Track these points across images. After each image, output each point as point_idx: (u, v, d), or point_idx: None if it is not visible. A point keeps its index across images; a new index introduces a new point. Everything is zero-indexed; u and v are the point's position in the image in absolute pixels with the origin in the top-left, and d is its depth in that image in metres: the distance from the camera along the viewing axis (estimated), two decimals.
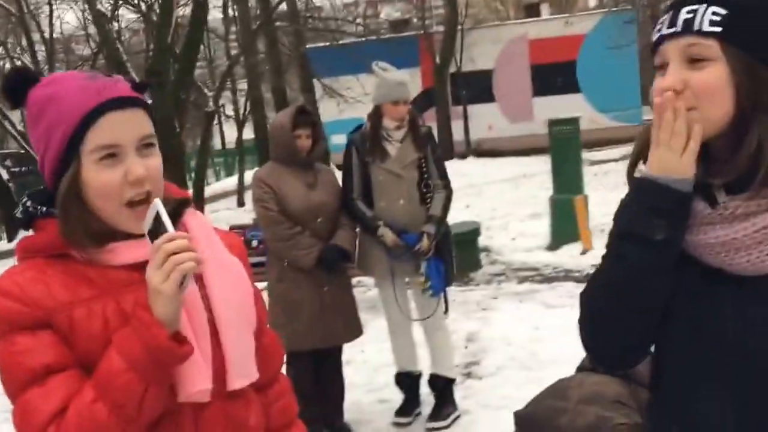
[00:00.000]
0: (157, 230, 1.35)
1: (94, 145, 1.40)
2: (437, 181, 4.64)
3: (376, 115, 4.54)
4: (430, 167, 4.61)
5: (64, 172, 1.43)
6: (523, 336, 6.07)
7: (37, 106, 1.45)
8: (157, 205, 1.36)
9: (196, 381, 1.42)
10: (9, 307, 1.38)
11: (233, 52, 22.40)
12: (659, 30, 1.36)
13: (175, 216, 1.51)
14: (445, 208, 4.63)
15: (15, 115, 31.97)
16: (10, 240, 18.75)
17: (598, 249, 9.72)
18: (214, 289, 1.50)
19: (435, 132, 18.06)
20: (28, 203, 1.50)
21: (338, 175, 4.72)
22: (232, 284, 1.54)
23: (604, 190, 14.94)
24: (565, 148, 10.39)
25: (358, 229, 4.62)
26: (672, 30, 1.33)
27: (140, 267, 1.42)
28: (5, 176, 19.23)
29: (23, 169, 26.88)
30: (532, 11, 33.26)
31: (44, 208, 1.48)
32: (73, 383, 1.36)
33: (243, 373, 1.53)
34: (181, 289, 1.33)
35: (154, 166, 1.44)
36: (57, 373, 1.36)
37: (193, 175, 19.08)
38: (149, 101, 1.50)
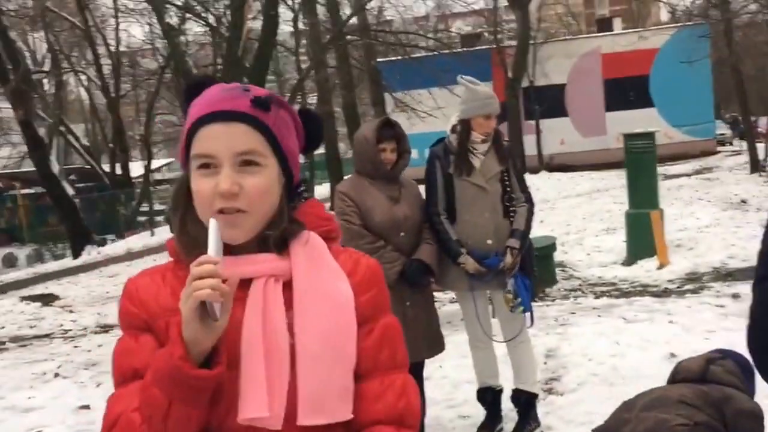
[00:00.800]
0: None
1: (194, 153, 1.44)
2: (519, 194, 4.60)
3: (465, 128, 4.50)
4: (512, 180, 4.58)
5: None
6: (603, 351, 5.95)
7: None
8: (211, 225, 1.37)
9: (251, 407, 1.39)
10: (125, 306, 1.48)
11: (303, 66, 22.63)
12: None
13: (283, 241, 1.49)
14: (528, 222, 4.58)
15: (79, 129, 32.87)
16: (75, 256, 18.94)
17: (675, 264, 9.58)
18: (301, 317, 1.45)
19: None
20: (168, 210, 1.58)
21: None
22: (324, 314, 1.45)
23: (679, 204, 14.68)
24: (640, 163, 10.24)
25: None
26: None
27: (241, 284, 1.41)
28: (71, 192, 19.40)
29: (88, 184, 27.43)
30: (605, 25, 32.90)
31: None
32: None
33: (320, 410, 1.43)
34: (207, 315, 1.31)
35: (251, 184, 1.42)
36: (141, 379, 1.39)
37: None
38: (267, 120, 1.46)
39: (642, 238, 9.92)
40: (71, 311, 12.15)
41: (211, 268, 1.30)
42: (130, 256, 18.80)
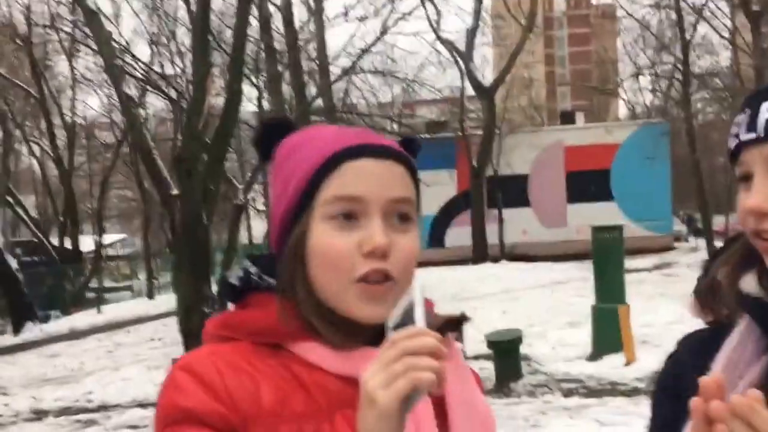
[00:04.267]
0: (404, 325, 0.93)
1: (330, 194, 1.05)
2: None
3: None
4: None
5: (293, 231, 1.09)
6: None
7: (283, 154, 1.13)
8: (414, 290, 0.95)
9: None
10: (198, 396, 0.99)
11: None
12: (736, 135, 1.06)
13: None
14: None
15: (29, 201, 32.16)
16: (16, 332, 18.25)
17: (642, 360, 9.31)
18: None
19: (470, 234, 18.14)
20: (252, 269, 1.10)
21: None
22: None
23: (641, 299, 14.52)
24: (608, 256, 10.11)
25: None
26: (752, 135, 1.03)
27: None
28: (14, 266, 18.83)
29: (35, 258, 26.61)
30: (568, 119, 33.53)
31: (272, 280, 1.09)
32: None
33: None
34: (406, 407, 0.88)
35: (405, 246, 1.05)
36: None
37: (218, 270, 18.62)
38: (415, 166, 1.12)
39: (609, 333, 9.65)
40: (4, 394, 11.41)
41: (434, 344, 0.88)
42: (74, 334, 18.04)
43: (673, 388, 1.04)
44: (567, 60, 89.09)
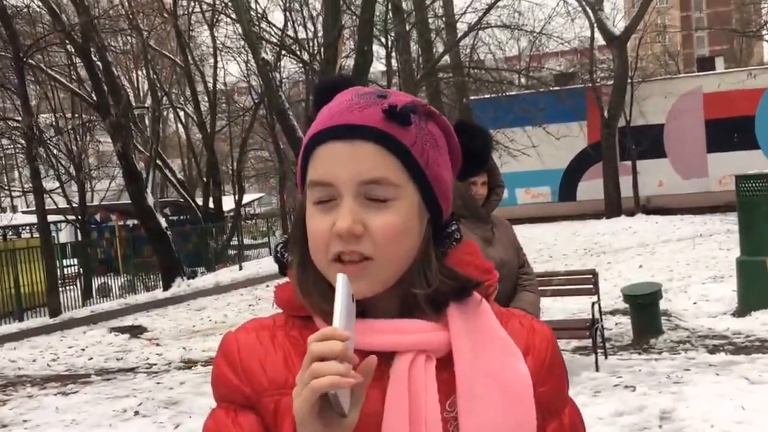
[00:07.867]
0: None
1: (310, 179, 1.09)
2: None
3: None
4: None
5: None
6: (727, 416, 5.35)
7: None
8: (339, 282, 0.98)
9: None
10: (223, 372, 1.13)
11: None
12: None
13: (438, 303, 1.11)
14: None
15: (176, 164, 33.78)
16: (165, 288, 19.20)
17: None
18: (469, 414, 1.08)
19: (602, 187, 17.74)
20: (278, 248, 1.20)
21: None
22: (498, 409, 1.08)
23: None
24: (755, 206, 9.56)
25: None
26: None
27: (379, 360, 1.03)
28: (164, 224, 19.79)
29: (181, 217, 28.04)
30: (706, 65, 31.83)
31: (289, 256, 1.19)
32: None
33: None
34: (330, 408, 0.93)
35: (379, 224, 1.04)
36: None
37: None
38: (404, 138, 1.06)
39: (756, 288, 9.22)
40: (158, 344, 12.11)
41: (339, 348, 0.92)
42: (218, 289, 18.85)
43: None
44: (704, 3, 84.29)
